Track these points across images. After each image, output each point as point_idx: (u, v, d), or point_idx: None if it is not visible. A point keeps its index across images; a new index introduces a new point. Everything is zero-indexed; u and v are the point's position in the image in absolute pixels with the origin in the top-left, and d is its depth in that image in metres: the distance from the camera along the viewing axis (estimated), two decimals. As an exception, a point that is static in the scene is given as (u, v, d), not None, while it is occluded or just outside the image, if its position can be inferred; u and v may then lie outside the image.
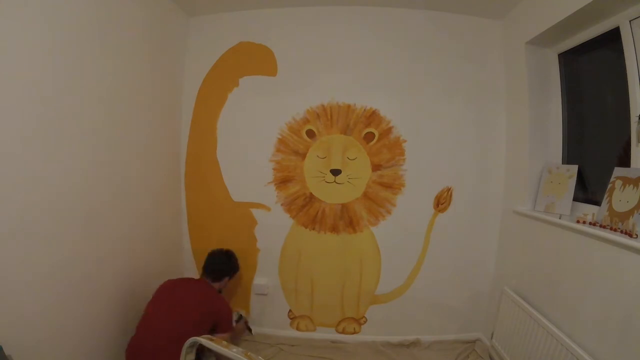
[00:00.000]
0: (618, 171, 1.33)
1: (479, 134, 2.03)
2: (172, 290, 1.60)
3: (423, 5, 1.95)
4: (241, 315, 2.00)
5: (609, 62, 1.53)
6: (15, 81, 1.03)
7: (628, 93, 1.34)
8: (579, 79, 1.72)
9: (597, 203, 1.49)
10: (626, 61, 1.35)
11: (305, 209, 2.09)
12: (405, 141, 2.02)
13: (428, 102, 2.01)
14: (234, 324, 1.78)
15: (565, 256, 1.47)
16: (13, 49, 1.01)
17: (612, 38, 1.41)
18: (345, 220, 2.08)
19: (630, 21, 1.32)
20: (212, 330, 1.59)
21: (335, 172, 2.04)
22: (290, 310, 2.19)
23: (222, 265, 1.81)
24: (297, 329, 2.18)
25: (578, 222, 1.40)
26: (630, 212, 1.21)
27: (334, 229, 2.09)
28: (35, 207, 1.12)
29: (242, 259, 2.15)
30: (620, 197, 1.27)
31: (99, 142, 1.41)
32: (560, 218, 1.53)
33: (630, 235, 1.16)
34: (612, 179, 1.34)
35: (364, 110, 2.01)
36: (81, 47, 1.28)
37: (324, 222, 2.09)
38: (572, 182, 1.59)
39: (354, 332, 2.17)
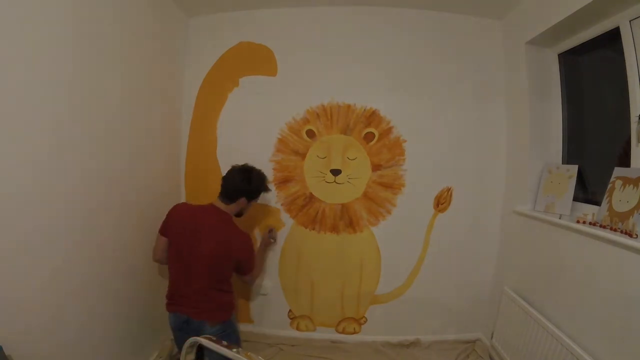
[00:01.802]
0: (618, 171, 1.33)
1: (479, 134, 2.03)
2: (192, 226, 1.47)
3: (423, 5, 1.95)
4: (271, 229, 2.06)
5: (609, 62, 1.53)
6: (12, 82, 1.03)
7: (628, 93, 1.34)
8: (579, 79, 1.72)
9: (597, 203, 1.49)
10: (626, 61, 1.35)
11: (305, 209, 2.09)
12: (405, 141, 2.02)
13: (428, 102, 2.01)
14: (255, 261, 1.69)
15: (565, 256, 1.47)
16: (11, 50, 1.01)
17: (612, 38, 1.41)
18: (345, 220, 2.08)
19: (630, 21, 1.32)
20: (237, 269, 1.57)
21: (335, 172, 2.04)
22: (290, 310, 2.19)
23: (236, 183, 1.54)
24: (297, 329, 2.18)
25: (578, 222, 1.40)
26: (630, 212, 1.21)
27: (334, 229, 2.09)
28: (36, 208, 1.12)
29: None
30: (620, 197, 1.28)
31: (98, 142, 1.40)
32: (560, 218, 1.53)
33: (630, 235, 1.16)
34: (612, 179, 1.34)
35: (364, 110, 2.01)
36: (80, 47, 1.28)
37: (324, 222, 2.09)
38: (572, 182, 1.59)
39: (354, 332, 2.17)
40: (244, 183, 1.55)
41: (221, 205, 1.54)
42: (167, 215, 1.56)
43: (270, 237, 2.05)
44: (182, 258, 1.46)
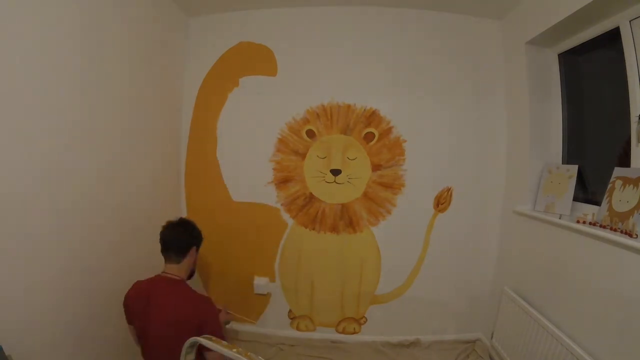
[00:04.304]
0: (618, 171, 1.33)
1: (479, 134, 2.03)
2: (148, 300, 1.30)
3: (423, 5, 1.95)
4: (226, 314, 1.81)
5: (609, 62, 1.53)
6: (16, 83, 1.03)
7: (628, 93, 1.34)
8: (579, 79, 1.72)
9: (597, 203, 1.49)
10: (626, 61, 1.35)
11: (305, 209, 2.09)
12: (405, 141, 2.02)
13: (428, 102, 2.01)
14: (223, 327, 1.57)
15: (565, 256, 1.47)
16: (11, 50, 1.01)
17: (612, 38, 1.41)
18: (345, 220, 2.08)
19: (630, 21, 1.32)
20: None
21: (335, 172, 2.04)
22: (290, 310, 2.19)
23: (181, 235, 1.44)
24: (297, 329, 2.18)
25: (578, 222, 1.40)
26: (630, 212, 1.21)
27: (334, 229, 2.09)
28: (37, 207, 1.12)
29: (242, 259, 2.15)
30: (620, 197, 1.27)
31: (99, 143, 1.41)
32: (560, 218, 1.53)
33: (630, 235, 1.16)
34: (612, 179, 1.34)
35: (364, 110, 2.01)
36: (80, 47, 1.28)
37: (324, 222, 2.08)
38: (572, 182, 1.59)
39: (354, 332, 2.16)
40: (186, 234, 1.46)
41: (172, 269, 1.39)
42: (123, 304, 1.38)
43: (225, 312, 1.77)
44: (142, 340, 1.32)
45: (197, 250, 1.52)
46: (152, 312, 1.28)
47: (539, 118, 1.77)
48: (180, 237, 1.43)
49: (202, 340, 0.83)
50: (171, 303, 1.30)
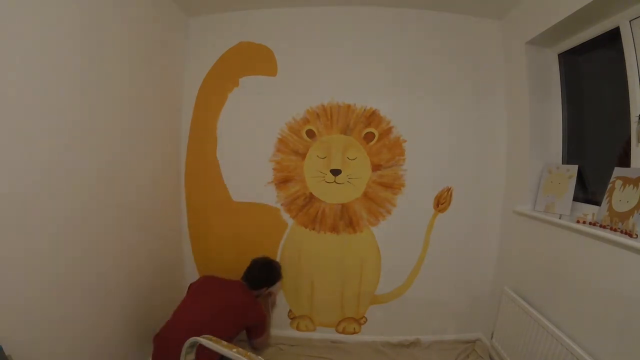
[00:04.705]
0: (618, 171, 1.33)
1: (479, 134, 2.03)
2: (208, 287, 1.70)
3: (423, 5, 1.95)
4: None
5: (609, 62, 1.53)
6: (17, 83, 1.03)
7: (628, 93, 1.34)
8: (579, 79, 1.72)
9: (597, 203, 1.49)
10: (626, 61, 1.35)
11: (305, 209, 2.09)
12: (405, 141, 2.02)
13: (428, 102, 2.01)
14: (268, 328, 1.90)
15: (565, 256, 1.47)
16: (11, 50, 1.01)
17: (612, 38, 1.41)
18: (345, 220, 2.08)
19: (630, 21, 1.32)
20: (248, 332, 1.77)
21: (335, 172, 2.04)
22: (290, 310, 2.19)
23: (262, 275, 1.85)
24: (297, 329, 2.18)
25: (578, 222, 1.40)
26: (630, 212, 1.21)
27: (334, 229, 2.09)
28: (37, 207, 1.12)
29: (242, 260, 2.15)
30: (620, 197, 1.28)
31: (99, 143, 1.41)
32: (560, 218, 1.53)
33: (630, 235, 1.16)
34: (612, 179, 1.34)
35: (364, 110, 2.01)
36: (80, 47, 1.28)
37: (324, 222, 2.09)
38: (572, 182, 1.59)
39: (354, 332, 2.17)
40: (266, 276, 1.87)
41: (247, 286, 1.81)
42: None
43: (270, 299, 2.09)
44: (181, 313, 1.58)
45: (269, 288, 1.89)
46: (211, 291, 1.66)
47: (539, 118, 1.77)
48: (258, 277, 1.84)
49: (203, 341, 0.84)
50: (231, 296, 1.66)
